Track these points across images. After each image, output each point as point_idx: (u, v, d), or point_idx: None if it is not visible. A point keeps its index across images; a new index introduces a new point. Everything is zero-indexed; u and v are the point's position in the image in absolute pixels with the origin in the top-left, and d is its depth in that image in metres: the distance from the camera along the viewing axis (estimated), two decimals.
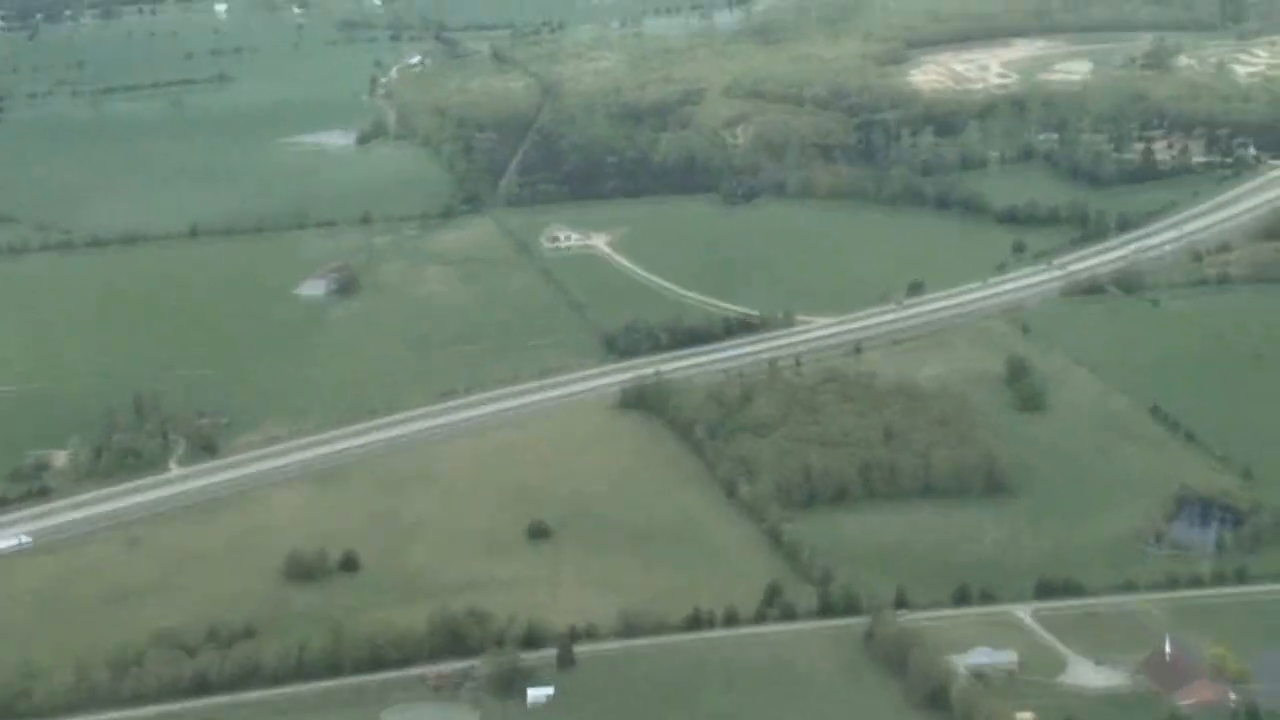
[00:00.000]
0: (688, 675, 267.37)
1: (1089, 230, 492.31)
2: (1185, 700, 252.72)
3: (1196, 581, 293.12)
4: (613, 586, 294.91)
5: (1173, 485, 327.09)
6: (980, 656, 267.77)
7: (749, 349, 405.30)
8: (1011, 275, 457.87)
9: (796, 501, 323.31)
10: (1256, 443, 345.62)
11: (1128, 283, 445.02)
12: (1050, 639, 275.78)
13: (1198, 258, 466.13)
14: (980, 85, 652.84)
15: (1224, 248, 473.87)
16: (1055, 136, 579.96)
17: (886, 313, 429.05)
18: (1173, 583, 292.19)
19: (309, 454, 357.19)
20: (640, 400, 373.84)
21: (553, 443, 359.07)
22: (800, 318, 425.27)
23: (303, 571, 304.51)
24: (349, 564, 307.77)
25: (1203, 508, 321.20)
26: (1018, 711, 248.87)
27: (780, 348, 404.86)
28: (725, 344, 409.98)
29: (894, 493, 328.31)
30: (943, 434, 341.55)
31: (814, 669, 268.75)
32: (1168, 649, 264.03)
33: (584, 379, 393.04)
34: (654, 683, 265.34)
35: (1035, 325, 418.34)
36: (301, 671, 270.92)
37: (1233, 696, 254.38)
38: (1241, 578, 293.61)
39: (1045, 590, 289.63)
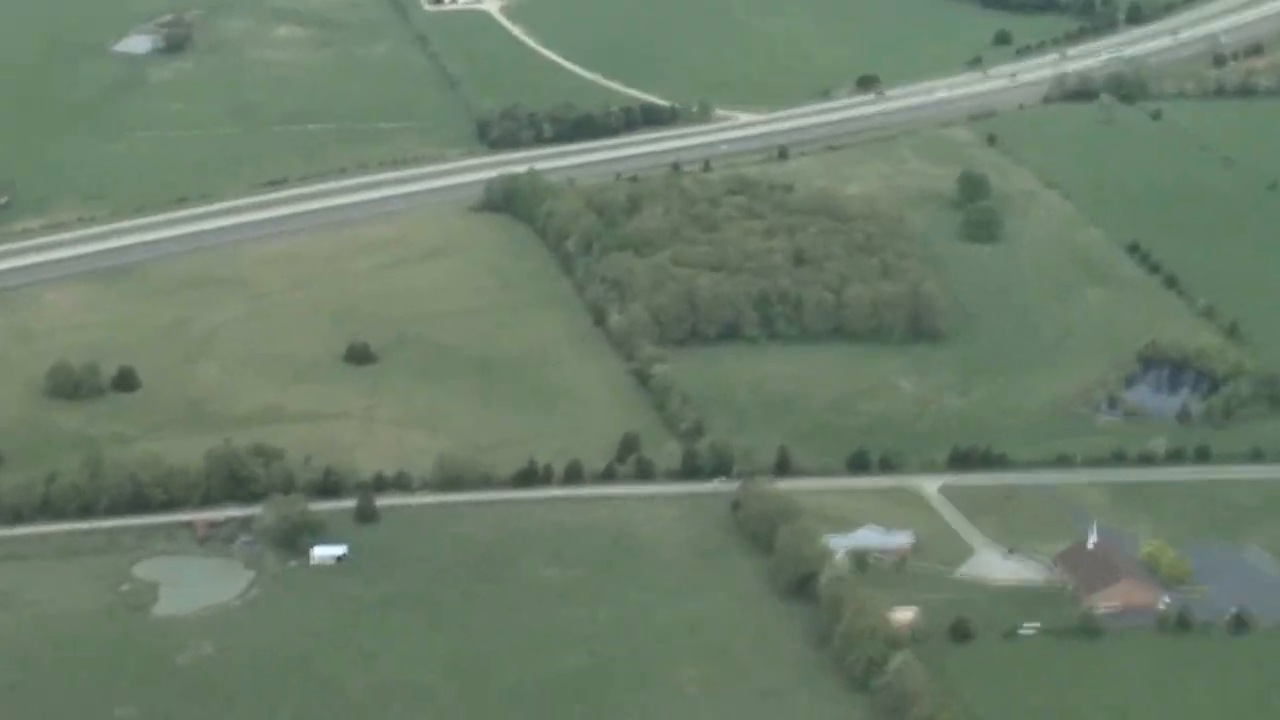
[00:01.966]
0: (510, 541, 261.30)
1: (1093, 21, 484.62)
2: (1105, 603, 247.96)
3: (1147, 459, 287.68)
4: (438, 427, 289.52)
5: (1140, 340, 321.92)
6: (866, 538, 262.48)
7: (651, 147, 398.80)
8: (987, 72, 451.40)
9: (674, 336, 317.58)
10: (1251, 293, 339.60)
11: (1127, 88, 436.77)
12: (958, 519, 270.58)
13: (1219, 61, 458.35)
14: None
15: (1254, 50, 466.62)
16: None
17: (834, 110, 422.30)
18: (1118, 459, 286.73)
19: (96, 247, 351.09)
20: (507, 202, 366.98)
21: (394, 248, 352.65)
22: (721, 111, 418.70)
23: (68, 388, 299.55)
24: (125, 382, 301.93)
25: (1171, 369, 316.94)
26: (899, 606, 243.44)
27: (688, 148, 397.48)
28: (623, 139, 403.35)
29: (796, 333, 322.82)
30: (864, 264, 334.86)
31: (664, 542, 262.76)
32: (1092, 540, 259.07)
33: (445, 173, 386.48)
34: (468, 548, 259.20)
35: (1004, 135, 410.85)
36: (48, 509, 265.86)
37: (1165, 601, 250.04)
38: (1203, 456, 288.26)
39: (961, 461, 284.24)
